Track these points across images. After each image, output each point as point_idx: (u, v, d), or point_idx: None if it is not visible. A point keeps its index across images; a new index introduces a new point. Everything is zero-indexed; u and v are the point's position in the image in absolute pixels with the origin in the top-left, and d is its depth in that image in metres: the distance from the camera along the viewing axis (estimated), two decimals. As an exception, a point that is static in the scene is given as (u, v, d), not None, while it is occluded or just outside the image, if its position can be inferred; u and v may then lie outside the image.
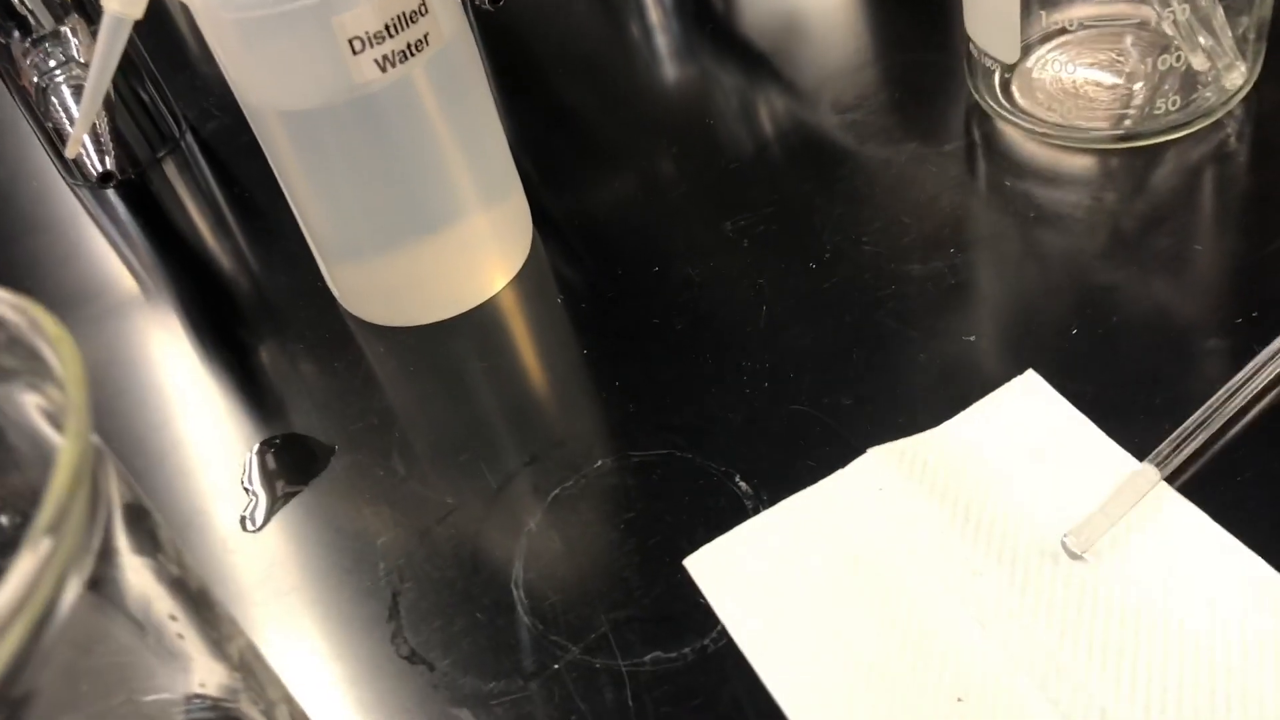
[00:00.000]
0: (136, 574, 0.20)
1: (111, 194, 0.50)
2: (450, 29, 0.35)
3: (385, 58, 0.33)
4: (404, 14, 0.33)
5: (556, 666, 0.29)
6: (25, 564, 0.14)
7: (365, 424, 0.37)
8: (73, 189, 0.51)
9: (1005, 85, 0.40)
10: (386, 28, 0.33)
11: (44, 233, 0.50)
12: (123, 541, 0.19)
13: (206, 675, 0.23)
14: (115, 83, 0.47)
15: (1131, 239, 0.35)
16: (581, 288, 0.39)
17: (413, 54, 0.33)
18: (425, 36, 0.34)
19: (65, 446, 0.16)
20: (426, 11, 0.33)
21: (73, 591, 0.16)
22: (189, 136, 0.52)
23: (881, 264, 0.37)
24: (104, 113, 0.46)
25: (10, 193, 0.53)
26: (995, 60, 0.38)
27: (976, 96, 0.41)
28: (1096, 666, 0.26)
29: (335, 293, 0.40)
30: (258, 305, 0.43)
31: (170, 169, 0.51)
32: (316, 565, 0.33)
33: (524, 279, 0.40)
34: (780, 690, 0.27)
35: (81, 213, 0.50)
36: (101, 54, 0.34)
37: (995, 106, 0.40)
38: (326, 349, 0.40)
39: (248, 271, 0.45)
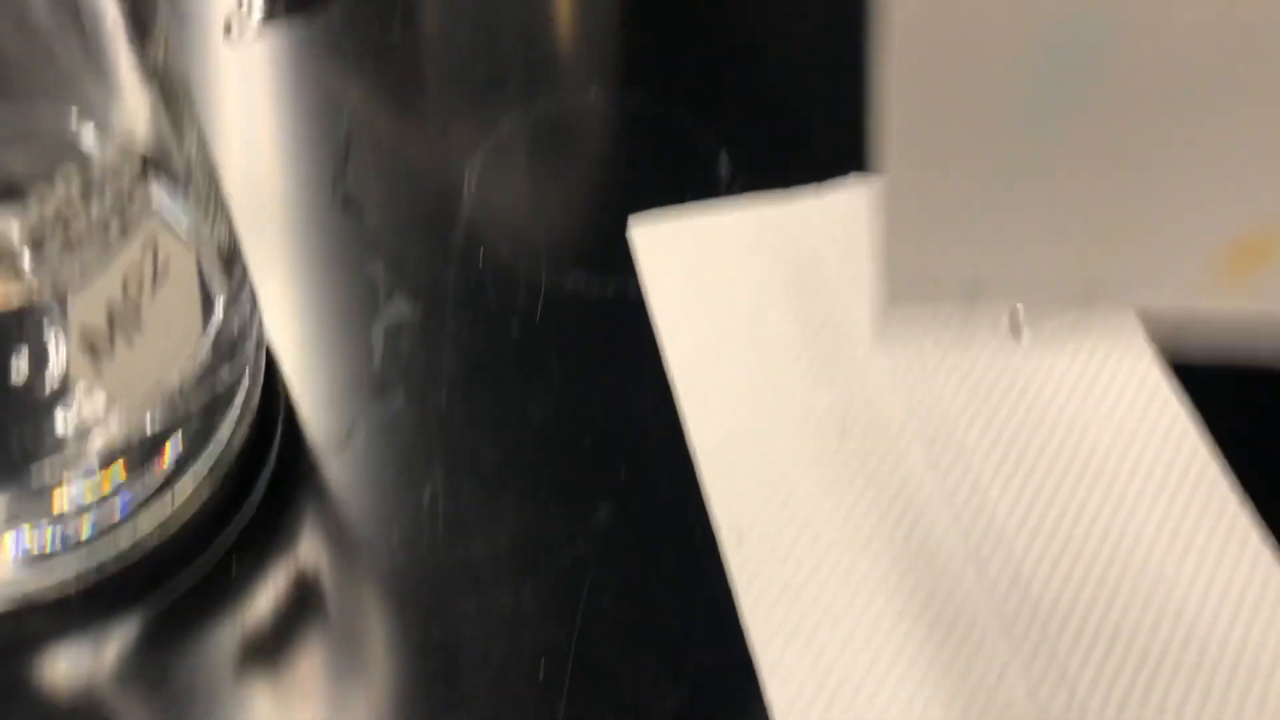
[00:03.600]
0: None
1: None
2: None
3: None
4: None
5: (481, 257, 0.29)
6: None
7: (379, -19, 0.35)
8: None
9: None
10: None
11: None
12: None
13: (134, 112, 0.22)
14: None
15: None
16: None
17: None
18: None
19: None
20: None
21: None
22: None
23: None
24: None
25: None
26: None
27: None
28: (988, 441, 0.26)
29: None
30: None
31: None
32: (285, 93, 0.32)
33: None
34: (676, 367, 0.27)
35: None
36: None
37: None
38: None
39: None
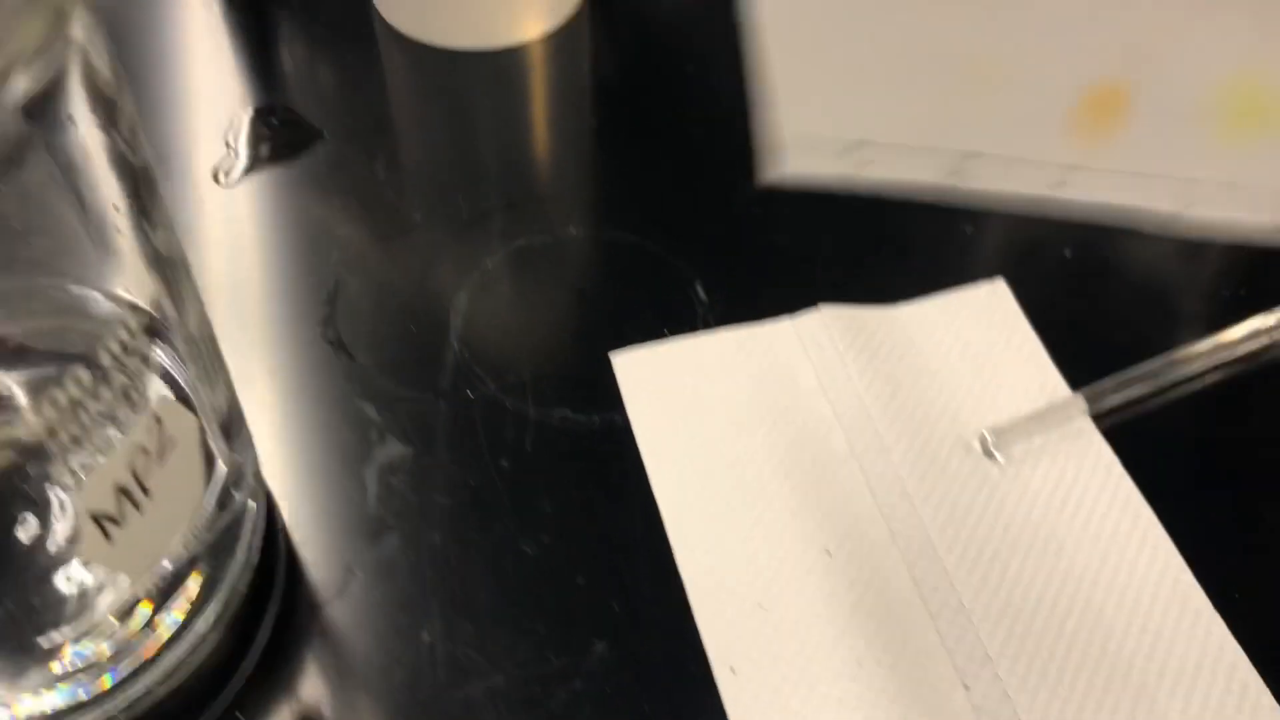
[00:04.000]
0: (88, 142, 0.20)
1: None
2: None
3: None
4: None
5: (470, 395, 0.29)
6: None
7: (361, 123, 0.37)
8: None
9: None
10: None
11: None
12: (77, 93, 0.18)
13: (134, 282, 0.22)
14: None
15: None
16: (612, 65, 0.39)
17: None
18: None
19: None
20: None
21: (15, 90, 0.16)
22: None
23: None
24: None
25: None
26: None
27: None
28: (968, 561, 0.26)
29: (372, -10, 0.40)
30: (292, -20, 0.42)
31: None
32: (272, 235, 0.33)
33: (561, 37, 0.39)
34: (663, 496, 0.28)
35: None
36: None
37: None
38: (347, 43, 0.39)
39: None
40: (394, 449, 0.28)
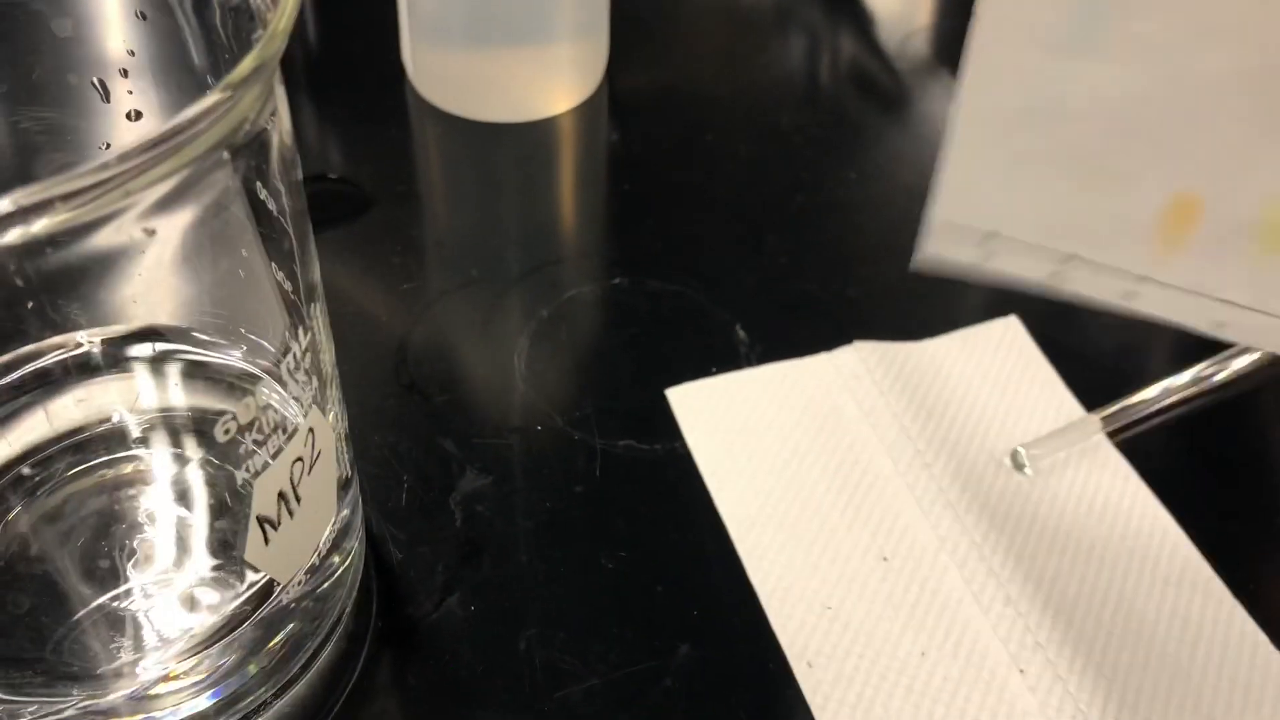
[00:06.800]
0: (271, 194, 0.22)
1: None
2: None
3: None
4: None
5: (539, 428, 0.32)
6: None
7: (408, 188, 0.39)
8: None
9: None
10: None
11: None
12: (274, 150, 0.21)
13: (297, 315, 0.24)
14: None
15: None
16: (636, 133, 0.42)
17: None
18: None
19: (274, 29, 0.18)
20: None
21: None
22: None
23: (914, 197, 0.40)
24: None
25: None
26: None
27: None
28: (1011, 561, 0.29)
29: (410, 71, 0.43)
30: (328, 61, 0.45)
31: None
32: (336, 294, 0.36)
33: (587, 110, 0.42)
34: (728, 514, 0.30)
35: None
36: None
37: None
38: (386, 115, 0.42)
39: (321, 27, 0.47)
40: (475, 480, 0.31)
